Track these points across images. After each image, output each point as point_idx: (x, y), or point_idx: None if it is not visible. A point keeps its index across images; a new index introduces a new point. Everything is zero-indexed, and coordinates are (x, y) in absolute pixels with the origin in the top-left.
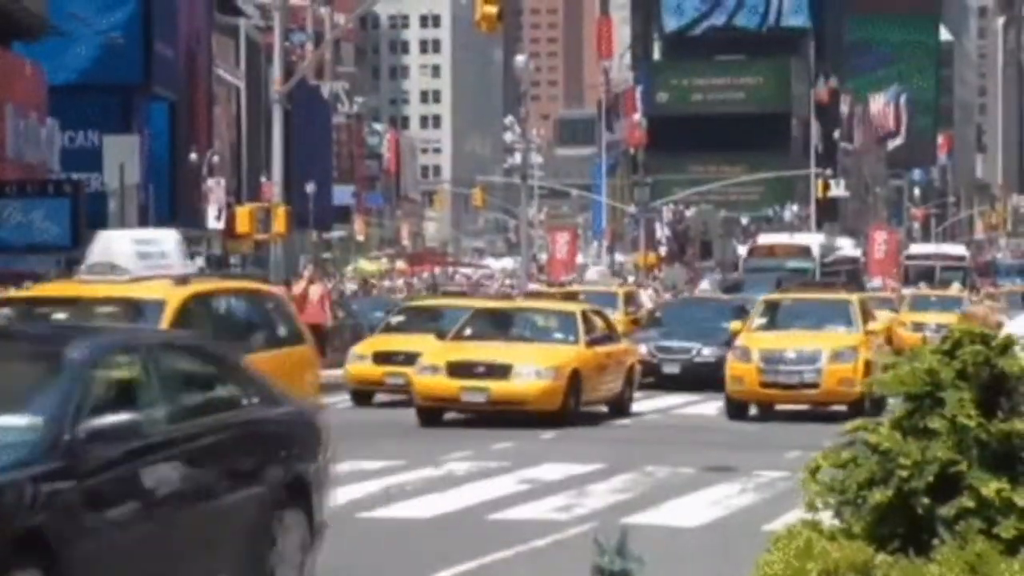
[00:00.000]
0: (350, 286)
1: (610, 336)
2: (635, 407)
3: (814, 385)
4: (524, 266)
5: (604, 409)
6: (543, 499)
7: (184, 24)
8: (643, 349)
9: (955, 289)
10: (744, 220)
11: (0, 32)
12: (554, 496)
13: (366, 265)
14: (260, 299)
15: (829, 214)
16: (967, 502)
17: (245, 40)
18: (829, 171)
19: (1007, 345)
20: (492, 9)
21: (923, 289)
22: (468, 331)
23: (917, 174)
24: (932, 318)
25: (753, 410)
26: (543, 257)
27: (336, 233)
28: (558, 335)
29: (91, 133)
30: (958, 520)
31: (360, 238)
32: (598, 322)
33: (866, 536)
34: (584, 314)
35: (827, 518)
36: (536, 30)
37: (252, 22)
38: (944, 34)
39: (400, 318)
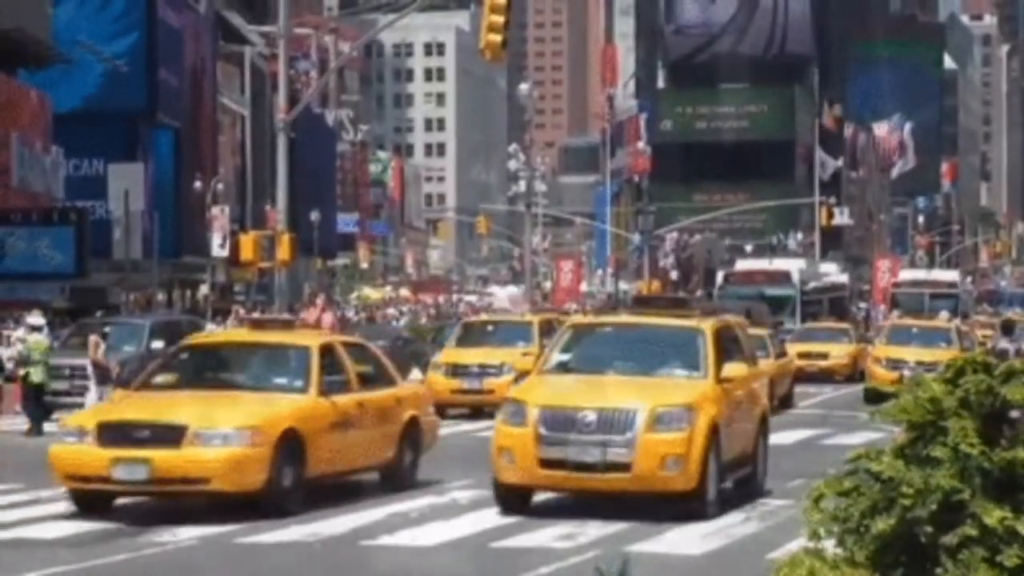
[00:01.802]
0: (351, 313)
1: (376, 379)
2: None
3: (622, 467)
4: (528, 294)
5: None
6: (546, 527)
7: (189, 52)
8: None
9: (943, 319)
10: (748, 248)
11: (6, 60)
12: (557, 524)
13: (370, 293)
14: None
15: (833, 242)
16: (970, 531)
17: (250, 68)
18: (833, 199)
19: (1009, 374)
20: (496, 38)
21: (903, 319)
22: (161, 377)
23: (921, 202)
24: (912, 354)
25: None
26: (547, 285)
27: (340, 261)
28: (280, 380)
29: (96, 161)
30: (961, 549)
31: (364, 266)
32: (353, 361)
33: (869, 564)
34: (326, 349)
35: (830, 546)
36: (540, 58)
37: (256, 50)
38: (948, 62)
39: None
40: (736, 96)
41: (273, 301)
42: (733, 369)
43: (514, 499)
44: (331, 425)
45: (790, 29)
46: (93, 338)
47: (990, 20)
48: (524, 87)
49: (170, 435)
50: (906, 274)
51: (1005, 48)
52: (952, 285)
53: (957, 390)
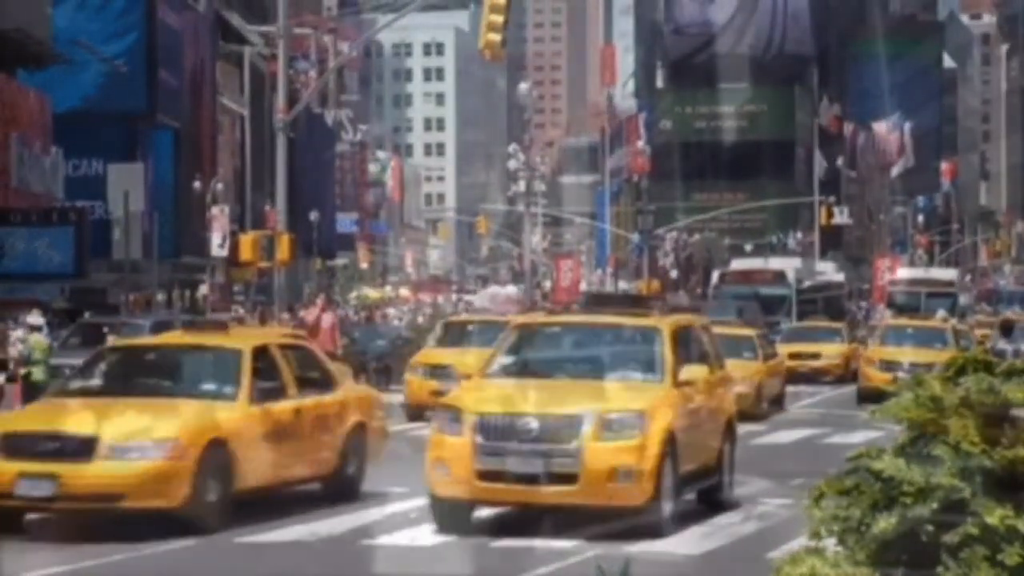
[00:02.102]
0: (351, 313)
1: (316, 384)
2: None
3: (567, 478)
4: (528, 294)
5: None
6: (546, 527)
7: (188, 52)
8: None
9: (939, 318)
10: (748, 247)
11: (5, 60)
12: (557, 524)
13: (370, 292)
14: None
15: (833, 241)
16: (971, 529)
17: (249, 68)
18: (832, 198)
19: (1011, 373)
20: (496, 37)
21: (897, 319)
22: (79, 383)
23: (921, 201)
24: (906, 355)
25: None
26: (547, 284)
27: (340, 261)
28: (207, 387)
29: (95, 161)
30: (962, 547)
31: (364, 266)
32: (290, 364)
33: (870, 564)
34: (260, 352)
35: (831, 545)
36: (540, 58)
37: (256, 50)
38: (947, 61)
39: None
40: (736, 96)
41: (273, 301)
42: (693, 371)
43: (451, 515)
44: (263, 435)
45: (789, 29)
46: (112, 339)
47: (990, 19)
48: (523, 87)
49: (80, 447)
50: (903, 272)
51: (1005, 47)
52: (950, 284)
53: (958, 389)
